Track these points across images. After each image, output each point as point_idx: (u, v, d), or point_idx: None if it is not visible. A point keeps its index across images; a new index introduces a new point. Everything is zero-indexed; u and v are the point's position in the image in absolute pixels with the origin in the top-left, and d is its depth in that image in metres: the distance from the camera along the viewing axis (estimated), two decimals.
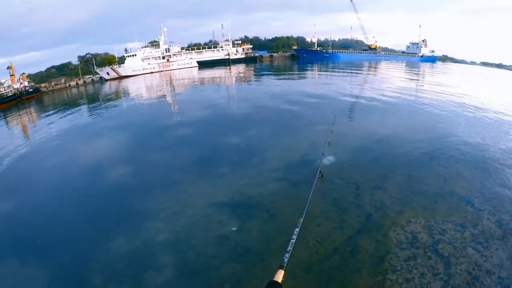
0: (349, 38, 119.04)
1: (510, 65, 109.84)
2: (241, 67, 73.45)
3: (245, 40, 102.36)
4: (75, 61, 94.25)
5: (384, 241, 6.48)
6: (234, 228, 7.44)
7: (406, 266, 5.73)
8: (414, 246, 6.24)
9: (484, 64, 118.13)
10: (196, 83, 46.16)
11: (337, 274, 5.71)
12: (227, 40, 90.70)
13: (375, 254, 6.12)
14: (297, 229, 3.38)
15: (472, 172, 9.56)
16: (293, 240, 3.16)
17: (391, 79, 38.89)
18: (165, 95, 34.92)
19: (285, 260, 2.91)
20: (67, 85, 71.41)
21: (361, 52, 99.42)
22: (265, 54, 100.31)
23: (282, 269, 2.78)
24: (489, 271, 5.55)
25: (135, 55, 78.94)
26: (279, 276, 2.69)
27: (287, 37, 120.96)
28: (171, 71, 79.12)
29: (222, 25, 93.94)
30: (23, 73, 66.15)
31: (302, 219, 3.61)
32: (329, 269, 5.84)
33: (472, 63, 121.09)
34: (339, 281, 5.58)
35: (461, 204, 7.72)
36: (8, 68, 62.48)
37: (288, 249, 3.04)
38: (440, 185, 8.74)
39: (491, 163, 10.16)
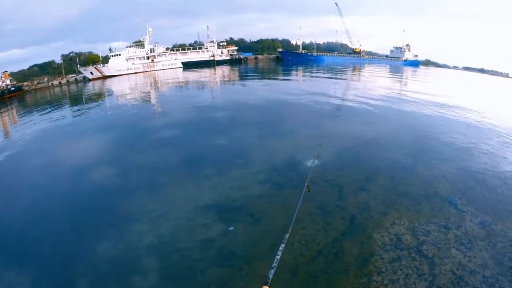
0: (334, 41, 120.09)
1: (491, 70, 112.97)
2: (225, 69, 73.20)
3: (230, 42, 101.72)
4: (58, 59, 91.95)
5: (368, 243, 6.52)
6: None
7: (391, 268, 5.76)
8: (399, 248, 6.30)
9: (467, 69, 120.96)
10: (180, 84, 45.75)
11: (323, 276, 5.70)
12: (212, 42, 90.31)
13: (360, 256, 6.15)
14: (283, 245, 3.28)
15: (454, 173, 9.76)
16: (278, 256, 3.07)
17: (374, 83, 39.41)
18: (150, 96, 34.50)
19: (270, 276, 2.82)
20: (50, 84, 69.31)
21: (345, 56, 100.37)
22: (250, 56, 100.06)
23: (267, 285, 2.71)
24: (473, 271, 5.64)
25: (120, 54, 77.52)
26: None
27: (272, 40, 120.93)
28: (156, 71, 78.21)
29: (207, 26, 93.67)
30: (5, 71, 64.00)
31: (287, 235, 3.52)
32: (315, 271, 5.82)
33: (455, 67, 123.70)
34: (325, 283, 5.56)
35: (444, 206, 7.84)
36: None
37: (273, 265, 2.94)
38: (423, 187, 8.88)
39: (473, 165, 10.39)
